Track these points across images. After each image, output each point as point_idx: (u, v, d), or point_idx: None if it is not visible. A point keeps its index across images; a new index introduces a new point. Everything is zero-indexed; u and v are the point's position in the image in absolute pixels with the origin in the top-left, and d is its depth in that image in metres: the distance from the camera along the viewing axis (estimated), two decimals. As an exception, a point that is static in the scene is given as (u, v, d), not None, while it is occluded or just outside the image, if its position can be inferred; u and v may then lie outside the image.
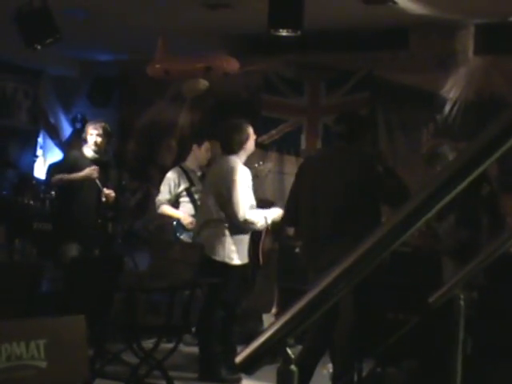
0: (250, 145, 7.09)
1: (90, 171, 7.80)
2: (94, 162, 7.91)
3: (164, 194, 8.38)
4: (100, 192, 7.89)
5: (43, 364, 2.60)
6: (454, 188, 1.64)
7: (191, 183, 8.33)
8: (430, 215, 1.69)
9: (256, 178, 7.34)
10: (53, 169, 8.40)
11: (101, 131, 7.98)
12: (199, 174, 8.36)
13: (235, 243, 6.91)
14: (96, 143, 7.96)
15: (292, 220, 6.38)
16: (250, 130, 7.08)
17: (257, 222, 6.87)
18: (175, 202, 8.36)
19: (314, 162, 6.29)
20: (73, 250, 7.70)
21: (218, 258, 6.84)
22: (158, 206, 8.42)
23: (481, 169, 1.61)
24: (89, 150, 8.00)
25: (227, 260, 6.87)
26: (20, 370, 2.53)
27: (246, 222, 6.82)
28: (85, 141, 8.04)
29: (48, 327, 2.72)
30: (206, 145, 8.49)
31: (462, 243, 6.78)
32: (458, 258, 6.68)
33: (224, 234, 6.87)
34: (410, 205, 1.71)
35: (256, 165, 7.93)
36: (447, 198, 1.66)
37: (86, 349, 2.79)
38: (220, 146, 7.21)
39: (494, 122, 1.57)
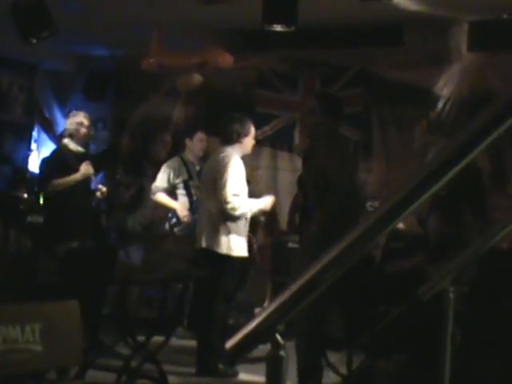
0: (248, 142, 7.08)
1: (87, 169, 7.75)
2: (78, 155, 7.85)
3: (162, 181, 8.32)
4: (90, 186, 7.89)
5: (38, 348, 2.64)
6: (436, 181, 1.69)
7: (190, 176, 8.32)
8: (411, 209, 1.74)
9: (248, 183, 7.33)
10: (45, 166, 8.28)
11: (87, 122, 7.94)
12: (197, 167, 8.33)
13: (237, 234, 6.91)
14: (84, 135, 7.92)
15: None
16: (251, 127, 7.09)
17: (238, 207, 6.77)
18: (170, 193, 8.34)
19: None
20: (68, 245, 7.68)
21: (221, 251, 6.84)
22: (154, 193, 8.35)
23: (462, 164, 1.66)
24: (73, 144, 7.88)
25: (229, 252, 6.86)
26: (15, 353, 2.57)
27: (226, 203, 6.73)
28: (71, 135, 7.93)
29: (43, 312, 2.76)
30: (197, 136, 8.49)
31: (444, 239, 6.84)
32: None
33: (225, 226, 6.87)
34: (396, 196, 1.76)
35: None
36: (430, 191, 1.70)
37: (80, 333, 2.83)
38: (219, 137, 7.25)
39: (477, 116, 1.62)
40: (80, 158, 7.79)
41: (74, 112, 8.26)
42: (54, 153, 8.21)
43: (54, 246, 7.55)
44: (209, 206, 6.98)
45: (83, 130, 7.85)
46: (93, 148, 11.04)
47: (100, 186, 7.97)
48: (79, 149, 7.86)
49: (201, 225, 7.11)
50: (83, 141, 7.97)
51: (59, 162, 7.77)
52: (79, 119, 7.87)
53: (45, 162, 8.23)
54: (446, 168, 1.69)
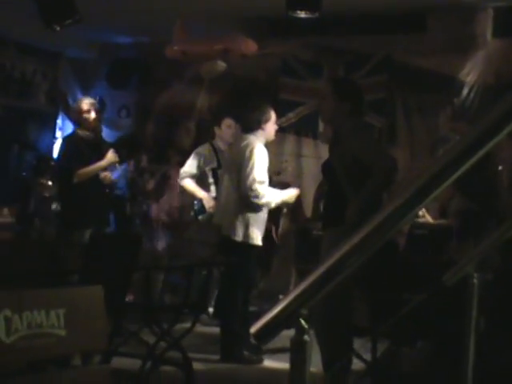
0: (270, 128, 7.04)
1: (112, 157, 7.74)
2: (89, 142, 7.81)
3: (191, 167, 8.27)
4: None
5: (62, 332, 2.67)
6: (456, 169, 1.69)
7: (219, 164, 8.29)
8: (431, 196, 1.74)
9: (278, 174, 7.31)
10: (60, 155, 8.21)
11: (92, 108, 7.83)
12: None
13: (255, 223, 6.90)
14: (90, 121, 7.80)
15: None
16: (272, 113, 7.04)
17: (263, 194, 6.76)
18: (198, 180, 8.29)
19: None
20: (87, 235, 7.64)
21: (238, 239, 6.84)
22: (182, 178, 8.30)
23: (482, 152, 1.66)
24: (81, 131, 7.83)
25: (248, 240, 6.86)
26: (40, 337, 2.61)
27: (251, 190, 6.71)
28: (76, 122, 7.90)
29: (67, 297, 2.79)
30: (225, 122, 8.43)
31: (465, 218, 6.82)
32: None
33: (244, 215, 6.86)
34: (414, 185, 1.76)
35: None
36: (450, 180, 1.70)
37: (104, 319, 2.86)
38: (240, 125, 7.25)
39: (497, 105, 1.61)
40: (92, 145, 7.77)
41: (77, 100, 8.21)
42: (65, 141, 8.20)
43: (72, 232, 7.57)
44: (230, 193, 6.97)
45: (85, 116, 7.80)
46: (116, 135, 11.10)
47: (105, 173, 7.85)
48: (88, 134, 7.81)
49: (220, 212, 7.11)
50: (91, 127, 7.88)
51: (72, 150, 7.76)
52: (79, 107, 7.87)
53: (60, 152, 8.22)
54: (468, 155, 1.69)
